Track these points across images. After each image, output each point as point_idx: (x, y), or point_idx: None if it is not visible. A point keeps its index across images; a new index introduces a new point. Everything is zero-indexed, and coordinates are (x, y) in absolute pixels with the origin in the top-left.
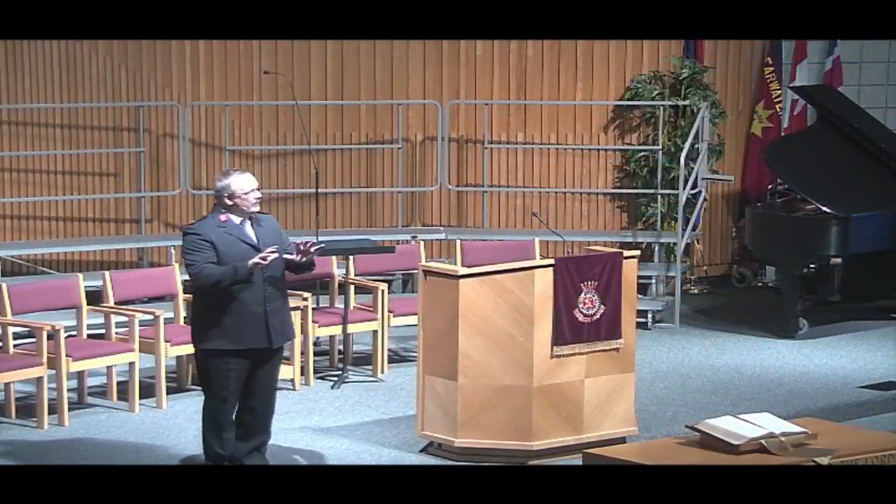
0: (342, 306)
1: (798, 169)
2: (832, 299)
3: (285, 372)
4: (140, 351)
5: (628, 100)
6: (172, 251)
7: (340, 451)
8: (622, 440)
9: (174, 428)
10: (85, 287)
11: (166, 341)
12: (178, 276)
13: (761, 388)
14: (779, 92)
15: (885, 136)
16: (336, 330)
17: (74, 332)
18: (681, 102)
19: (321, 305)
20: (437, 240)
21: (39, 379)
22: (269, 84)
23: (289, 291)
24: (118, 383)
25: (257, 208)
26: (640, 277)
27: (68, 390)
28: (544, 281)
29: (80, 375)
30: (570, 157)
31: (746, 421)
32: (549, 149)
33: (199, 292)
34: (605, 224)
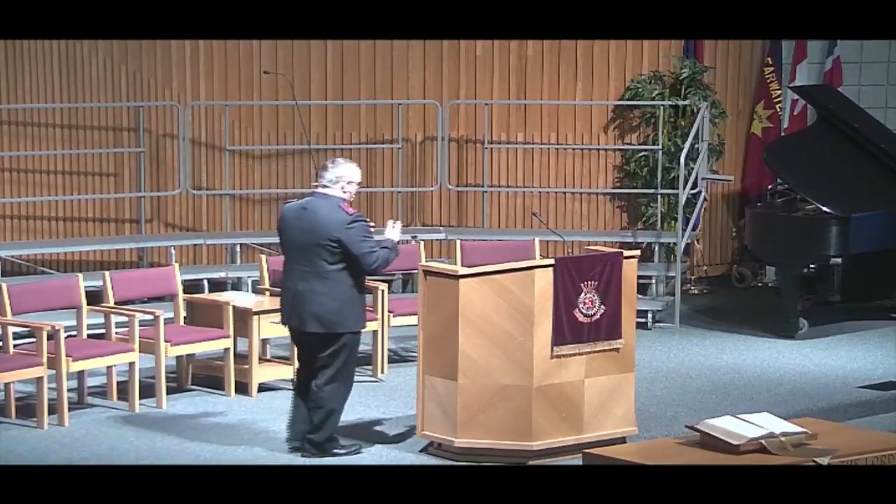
0: None
1: (798, 169)
2: (832, 299)
3: (285, 372)
4: (140, 351)
5: (628, 100)
6: (172, 251)
7: None
8: (622, 440)
9: (174, 428)
10: (85, 287)
11: (166, 341)
12: (178, 275)
13: (761, 388)
14: (779, 92)
15: (885, 136)
16: None
17: (74, 332)
18: (681, 102)
19: None
20: (437, 240)
21: (39, 379)
22: (269, 84)
23: None
24: (118, 383)
25: None
26: (640, 277)
27: (68, 390)
28: (544, 281)
29: (80, 375)
30: (570, 157)
31: (746, 421)
32: (549, 149)
33: (351, 277)
34: (605, 224)
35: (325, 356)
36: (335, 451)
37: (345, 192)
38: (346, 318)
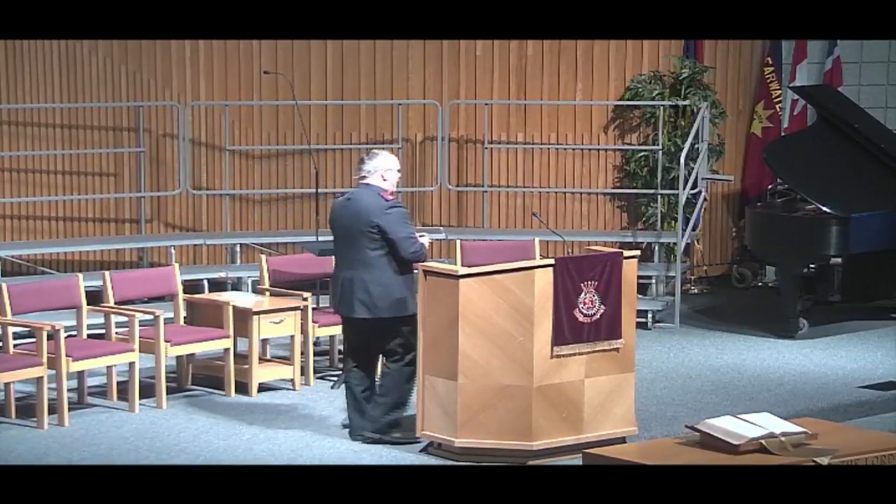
0: None
1: (798, 169)
2: (832, 299)
3: (285, 372)
4: (140, 351)
5: (628, 100)
6: (172, 251)
7: (340, 451)
8: (622, 440)
9: (174, 428)
10: (85, 287)
11: (166, 341)
12: (178, 275)
13: (761, 388)
14: (779, 92)
15: (885, 136)
16: (336, 330)
17: (74, 332)
18: (681, 102)
19: (321, 305)
20: (437, 240)
21: (39, 379)
22: (269, 84)
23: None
24: (118, 383)
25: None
26: (640, 277)
27: (68, 390)
28: (544, 281)
29: (80, 375)
30: (570, 157)
31: (746, 421)
32: (549, 149)
33: (394, 263)
34: (605, 224)
35: (381, 343)
36: (394, 436)
37: (385, 179)
38: (391, 303)
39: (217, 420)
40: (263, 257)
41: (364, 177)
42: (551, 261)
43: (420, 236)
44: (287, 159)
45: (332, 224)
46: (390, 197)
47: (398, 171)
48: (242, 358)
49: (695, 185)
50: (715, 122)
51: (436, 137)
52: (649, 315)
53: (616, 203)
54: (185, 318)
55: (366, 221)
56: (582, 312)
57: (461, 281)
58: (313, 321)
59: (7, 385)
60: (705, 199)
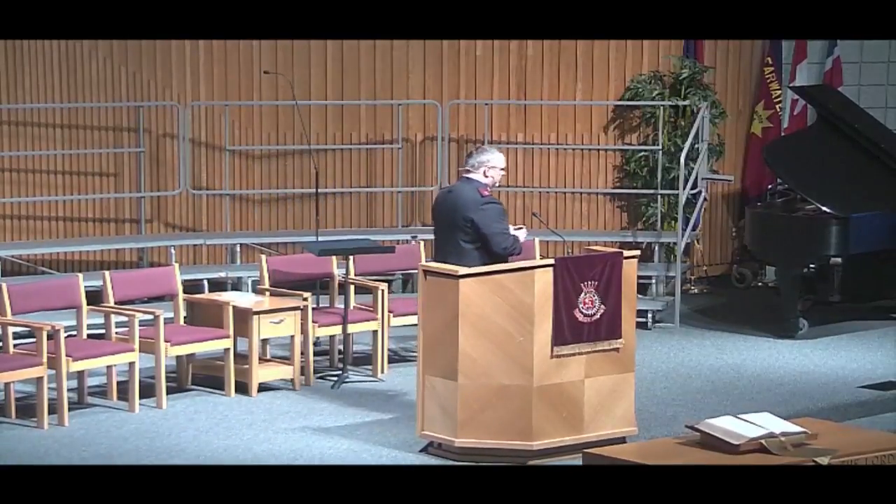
0: (342, 306)
1: (798, 169)
2: (832, 299)
3: (285, 372)
4: (140, 351)
5: (628, 100)
6: (172, 251)
7: (340, 451)
8: (622, 440)
9: (174, 428)
10: (85, 287)
11: (166, 341)
12: (178, 275)
13: (761, 388)
14: (779, 92)
15: (885, 136)
16: (336, 330)
17: (74, 332)
18: (681, 102)
19: (321, 305)
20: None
21: (39, 379)
22: (269, 84)
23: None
24: (118, 383)
25: None
26: (640, 277)
27: (68, 390)
28: (544, 281)
29: (80, 375)
30: (570, 157)
31: (746, 421)
32: (549, 149)
33: (485, 257)
34: (605, 224)
35: None
36: None
37: (487, 176)
38: None
39: (217, 420)
40: (263, 257)
41: (468, 170)
42: (551, 261)
43: (517, 229)
44: (287, 159)
45: (433, 212)
46: (487, 193)
47: (502, 169)
48: (242, 358)
49: (695, 185)
50: (715, 122)
51: (436, 137)
52: (649, 315)
53: (616, 203)
54: (185, 318)
55: (461, 215)
56: (582, 312)
57: (461, 281)
58: (313, 321)
59: (7, 385)
60: (705, 199)
